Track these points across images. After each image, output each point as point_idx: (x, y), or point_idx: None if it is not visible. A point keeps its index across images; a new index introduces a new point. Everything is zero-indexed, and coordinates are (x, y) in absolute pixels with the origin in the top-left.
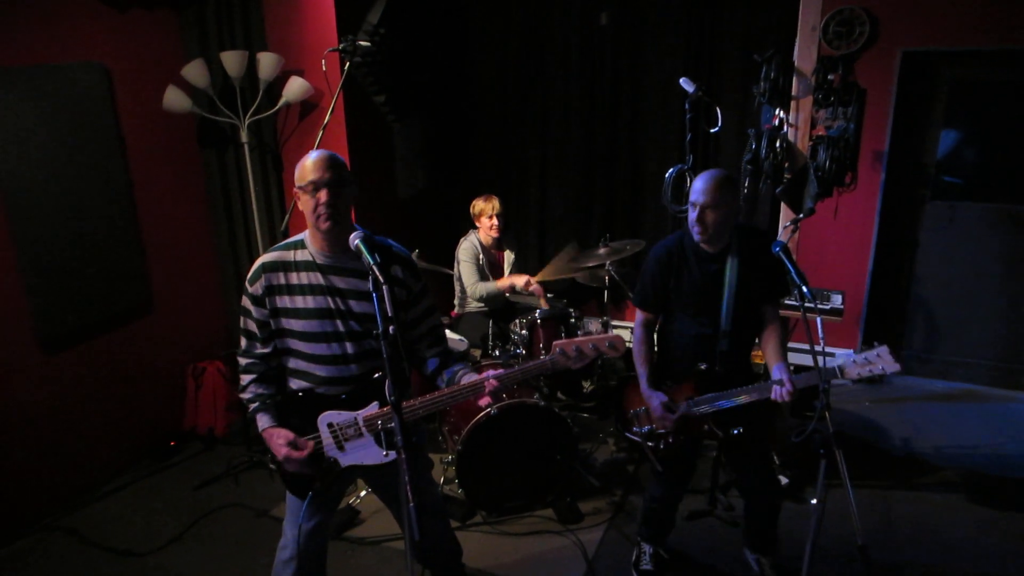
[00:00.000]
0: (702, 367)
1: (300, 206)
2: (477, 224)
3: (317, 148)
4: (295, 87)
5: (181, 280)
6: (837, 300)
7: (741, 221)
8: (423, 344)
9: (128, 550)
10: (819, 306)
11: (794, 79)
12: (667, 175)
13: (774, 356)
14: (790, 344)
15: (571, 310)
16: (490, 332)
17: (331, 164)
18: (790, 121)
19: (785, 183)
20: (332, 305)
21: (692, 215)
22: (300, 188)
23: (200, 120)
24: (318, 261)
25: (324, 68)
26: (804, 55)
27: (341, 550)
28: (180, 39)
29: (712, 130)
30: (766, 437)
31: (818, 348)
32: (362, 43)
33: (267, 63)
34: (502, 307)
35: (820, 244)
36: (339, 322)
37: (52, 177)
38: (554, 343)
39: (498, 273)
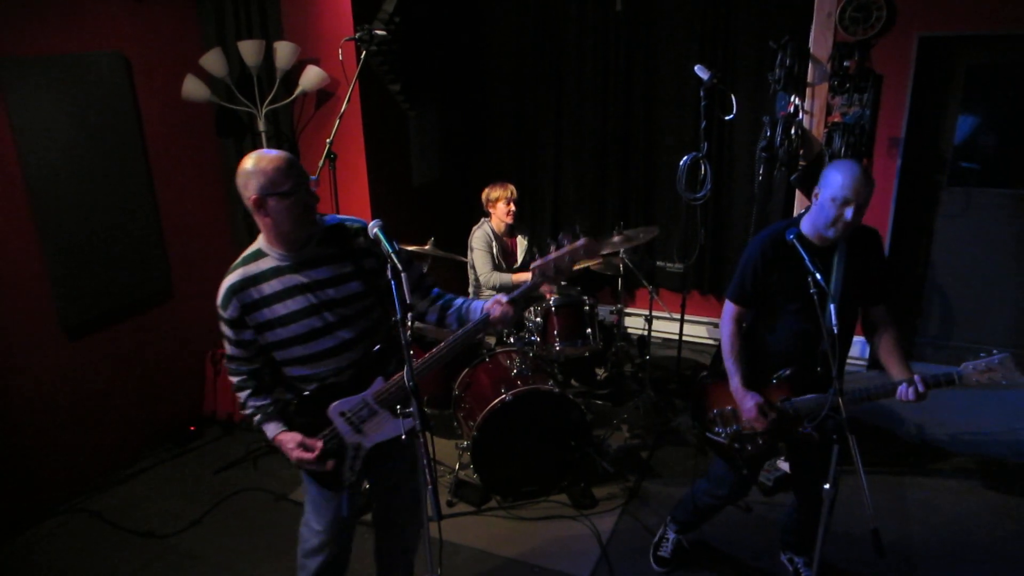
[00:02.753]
0: (786, 373)
1: (266, 213)
2: (490, 211)
3: (331, 138)
4: (311, 76)
5: (200, 267)
6: None
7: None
8: (415, 299)
9: (150, 532)
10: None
11: (809, 66)
12: (681, 163)
13: (897, 363)
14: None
15: (585, 297)
16: None
17: (297, 162)
18: (805, 108)
19: (800, 170)
20: (315, 300)
21: (843, 212)
22: (279, 194)
23: (218, 109)
24: (284, 264)
25: (340, 57)
26: (820, 41)
27: (357, 534)
28: (198, 29)
29: (727, 117)
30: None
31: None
32: (378, 32)
33: (284, 52)
34: None
35: None
36: (327, 314)
37: (74, 166)
38: (532, 266)
39: (511, 260)
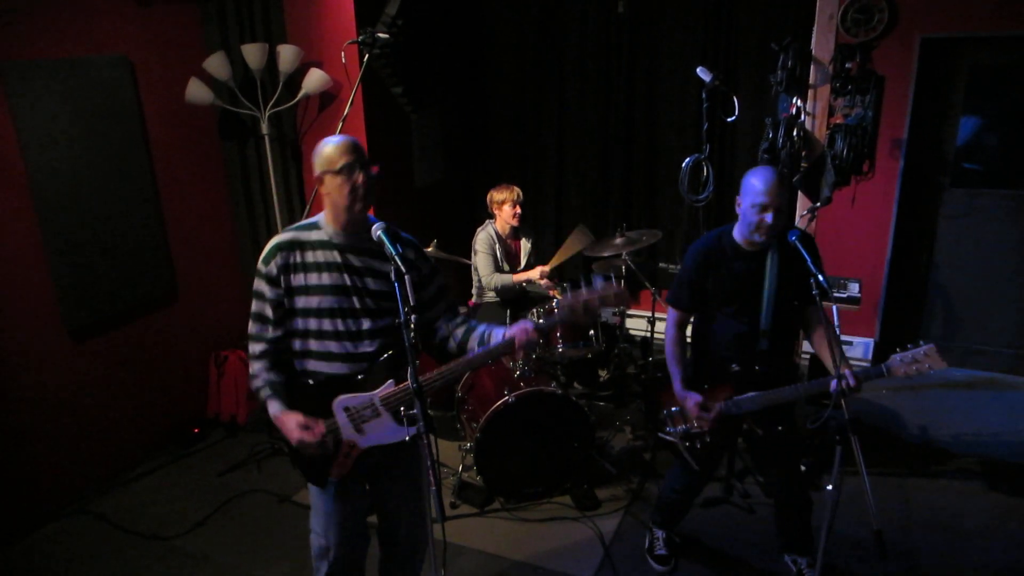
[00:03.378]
0: (734, 368)
1: (325, 190)
2: (496, 213)
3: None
4: (314, 79)
5: (204, 269)
6: (854, 288)
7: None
8: (443, 321)
9: (154, 534)
10: (835, 294)
11: (811, 67)
12: (684, 164)
13: (828, 353)
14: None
15: None
16: (507, 322)
17: (360, 147)
18: (807, 110)
19: (802, 172)
20: (348, 282)
21: (764, 217)
22: (331, 172)
23: (221, 112)
24: (334, 240)
25: (344, 60)
26: (822, 43)
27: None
28: (201, 32)
29: (729, 119)
30: (795, 433)
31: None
32: (381, 35)
33: (287, 55)
34: (518, 297)
35: (837, 232)
36: (355, 299)
37: (78, 169)
38: (561, 302)
39: (515, 262)
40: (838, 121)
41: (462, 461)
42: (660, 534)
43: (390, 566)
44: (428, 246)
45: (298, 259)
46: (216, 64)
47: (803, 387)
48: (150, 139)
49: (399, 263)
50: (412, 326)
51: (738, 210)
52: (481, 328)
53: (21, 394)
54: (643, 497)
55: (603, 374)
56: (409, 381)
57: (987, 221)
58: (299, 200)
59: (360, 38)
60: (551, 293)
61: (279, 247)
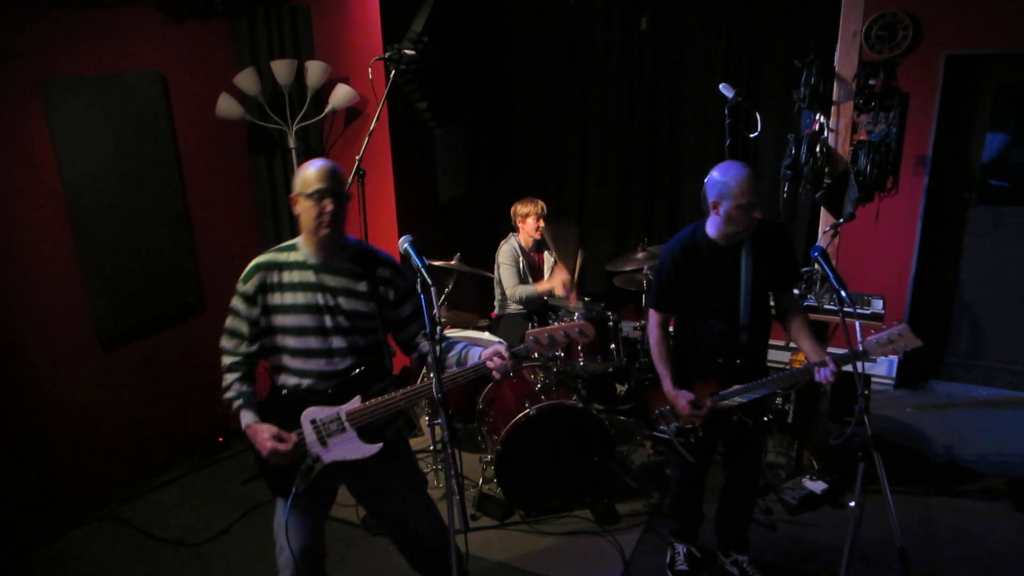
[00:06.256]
0: (720, 361)
1: (297, 210)
2: (519, 226)
3: (360, 155)
4: (341, 94)
5: (232, 281)
6: (878, 305)
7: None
8: (422, 337)
9: (179, 540)
10: (858, 311)
11: (835, 84)
12: (706, 180)
13: (808, 342)
14: (829, 349)
15: (609, 313)
16: None
17: (335, 175)
18: (831, 126)
19: (825, 188)
20: (322, 301)
21: (740, 214)
22: (304, 195)
23: (250, 126)
24: (309, 261)
25: (370, 76)
26: (845, 60)
27: (380, 547)
28: (232, 48)
29: (752, 135)
30: (764, 427)
31: (858, 351)
32: (407, 51)
33: (315, 71)
34: (541, 309)
35: (861, 249)
36: (327, 317)
37: (112, 181)
38: (527, 332)
39: (538, 275)
40: (861, 138)
41: (483, 473)
42: (681, 549)
43: (422, 561)
44: (451, 259)
45: (275, 279)
46: (246, 79)
47: (786, 376)
48: (181, 153)
49: (425, 275)
50: (437, 338)
51: (715, 211)
52: (459, 347)
53: (52, 401)
54: (663, 512)
55: (622, 388)
56: (434, 392)
57: (1014, 238)
58: None
59: (386, 54)
60: (572, 306)
61: (258, 267)
